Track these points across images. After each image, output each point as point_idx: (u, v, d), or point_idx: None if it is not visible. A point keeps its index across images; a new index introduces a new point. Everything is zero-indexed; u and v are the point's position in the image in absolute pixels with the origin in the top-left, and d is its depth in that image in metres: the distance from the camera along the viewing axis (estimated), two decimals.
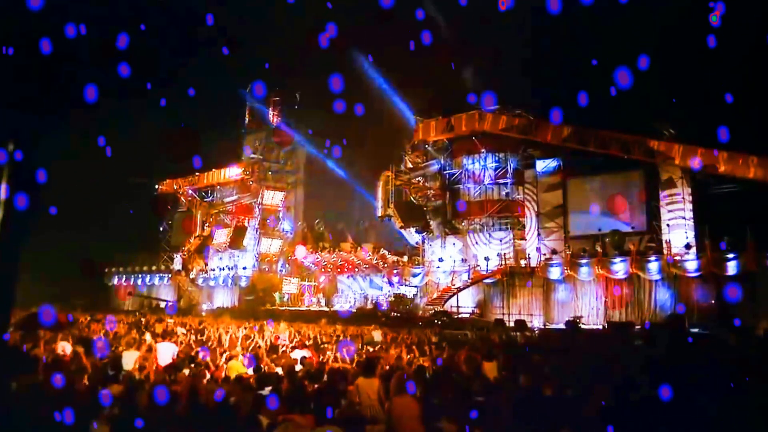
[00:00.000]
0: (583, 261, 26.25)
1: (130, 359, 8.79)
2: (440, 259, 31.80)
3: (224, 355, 9.04)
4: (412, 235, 35.19)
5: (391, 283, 34.58)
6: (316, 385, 6.92)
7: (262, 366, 8.34)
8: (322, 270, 39.29)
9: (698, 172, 24.65)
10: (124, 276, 49.12)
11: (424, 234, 34.13)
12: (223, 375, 7.86)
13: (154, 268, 47.71)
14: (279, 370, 8.09)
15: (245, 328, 14.77)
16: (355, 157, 39.22)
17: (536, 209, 29.91)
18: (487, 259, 29.53)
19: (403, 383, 5.82)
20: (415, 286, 32.99)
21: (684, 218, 24.90)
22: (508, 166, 31.91)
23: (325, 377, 7.50)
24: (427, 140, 33.73)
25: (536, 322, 26.52)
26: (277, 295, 38.63)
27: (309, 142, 44.30)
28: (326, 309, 34.93)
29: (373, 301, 35.19)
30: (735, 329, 18.02)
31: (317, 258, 38.77)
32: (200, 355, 9.06)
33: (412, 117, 35.18)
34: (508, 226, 31.51)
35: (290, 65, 44.32)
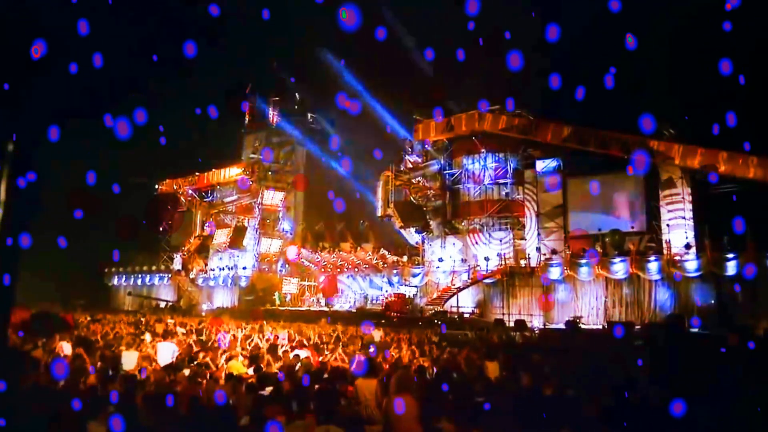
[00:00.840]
0: (583, 261, 26.24)
1: (129, 359, 8.79)
2: (440, 259, 31.80)
3: (224, 355, 9.04)
4: (412, 235, 35.18)
5: (391, 283, 34.58)
6: (316, 385, 6.91)
7: (262, 366, 8.34)
8: (322, 270, 39.28)
9: (698, 172, 24.68)
10: (124, 276, 49.12)
11: (424, 234, 34.12)
12: (223, 375, 7.85)
13: (154, 268, 47.70)
14: (279, 371, 8.08)
15: (245, 329, 14.78)
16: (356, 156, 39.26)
17: (536, 209, 29.91)
18: (487, 259, 29.52)
19: (404, 383, 5.81)
20: (415, 286, 32.99)
21: (684, 218, 24.90)
22: (508, 166, 31.91)
23: (325, 377, 7.49)
24: (427, 140, 33.75)
25: (536, 322, 26.51)
26: (277, 296, 38.49)
27: (310, 141, 44.49)
28: (326, 309, 34.92)
29: (374, 301, 35.20)
30: (735, 329, 18.01)
31: (317, 257, 38.75)
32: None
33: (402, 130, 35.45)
34: (508, 226, 31.51)
35: (291, 66, 44.34)
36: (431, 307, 29.54)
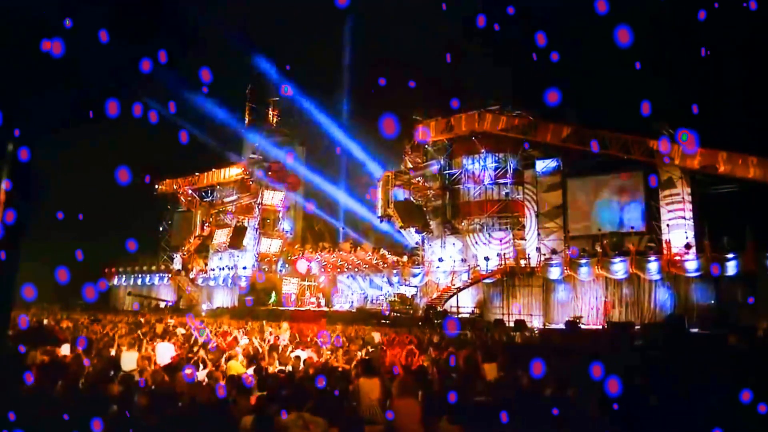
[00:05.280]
0: (583, 261, 26.24)
1: (129, 359, 8.79)
2: (440, 259, 31.79)
3: (224, 355, 9.03)
4: (412, 235, 35.16)
5: (391, 283, 34.56)
6: (316, 386, 6.90)
7: (262, 366, 8.33)
8: (322, 270, 39.25)
9: (698, 172, 24.67)
10: (124, 276, 49.08)
11: (424, 234, 34.10)
12: (222, 375, 7.83)
13: (153, 268, 47.67)
14: (279, 371, 8.08)
15: (244, 329, 14.78)
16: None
17: (536, 209, 29.90)
18: (487, 259, 29.51)
19: (405, 385, 5.81)
20: (415, 287, 32.99)
21: (684, 218, 24.90)
22: (508, 166, 31.91)
23: (326, 377, 7.48)
24: (427, 140, 33.73)
25: (536, 322, 26.51)
26: (272, 296, 38.14)
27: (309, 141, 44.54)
28: (326, 309, 34.90)
29: (373, 301, 35.18)
30: (735, 329, 18.00)
31: (317, 257, 38.72)
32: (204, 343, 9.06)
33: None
34: (508, 226, 31.49)
35: (290, 64, 44.29)
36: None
